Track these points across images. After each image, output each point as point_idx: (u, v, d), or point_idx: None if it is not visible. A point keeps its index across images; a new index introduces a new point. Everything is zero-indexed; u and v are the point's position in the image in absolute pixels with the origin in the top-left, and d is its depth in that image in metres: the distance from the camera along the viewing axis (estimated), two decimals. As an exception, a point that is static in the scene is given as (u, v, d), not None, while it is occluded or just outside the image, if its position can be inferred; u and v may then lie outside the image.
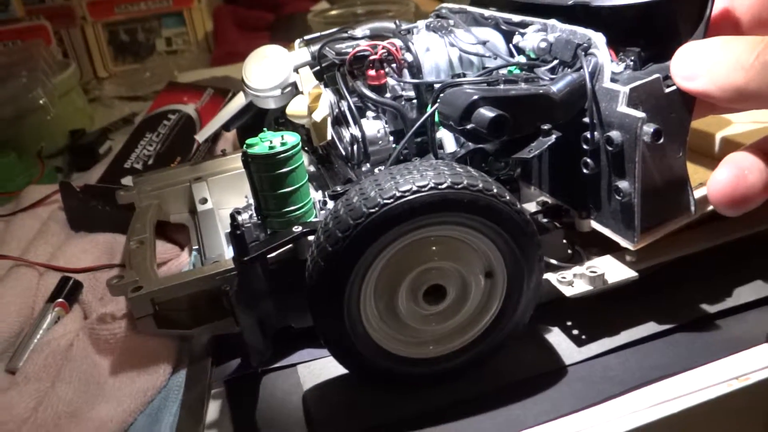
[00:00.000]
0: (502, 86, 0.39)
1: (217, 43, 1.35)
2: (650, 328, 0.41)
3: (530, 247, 0.35)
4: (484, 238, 0.35)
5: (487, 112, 0.36)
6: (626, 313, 0.42)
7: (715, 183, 0.34)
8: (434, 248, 0.35)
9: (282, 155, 0.38)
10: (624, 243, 0.39)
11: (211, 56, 1.33)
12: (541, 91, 0.38)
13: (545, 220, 0.45)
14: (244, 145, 0.39)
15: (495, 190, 0.34)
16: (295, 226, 0.38)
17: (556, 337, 0.41)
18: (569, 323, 0.42)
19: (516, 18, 0.46)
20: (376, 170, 0.44)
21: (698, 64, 0.34)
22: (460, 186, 0.33)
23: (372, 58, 0.45)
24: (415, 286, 0.35)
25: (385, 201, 0.32)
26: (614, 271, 0.40)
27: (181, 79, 1.14)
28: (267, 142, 0.39)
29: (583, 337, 0.41)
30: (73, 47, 1.26)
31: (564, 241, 0.44)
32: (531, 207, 0.47)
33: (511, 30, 0.46)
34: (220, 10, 1.41)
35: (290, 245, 0.38)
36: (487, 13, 0.49)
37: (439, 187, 0.32)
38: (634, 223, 0.38)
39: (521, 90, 0.38)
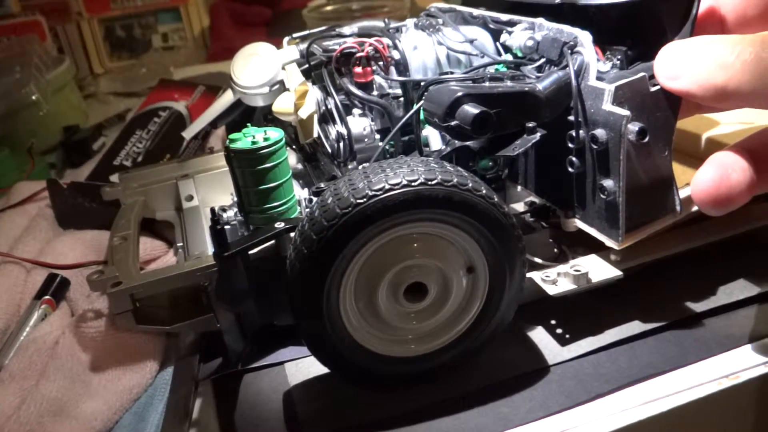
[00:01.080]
0: (487, 84, 0.39)
1: (214, 39, 1.35)
2: (638, 326, 0.41)
3: (510, 241, 0.35)
4: (463, 233, 0.35)
5: (471, 109, 0.36)
6: (613, 312, 0.42)
7: (698, 182, 0.34)
8: (413, 246, 0.35)
9: (264, 150, 0.38)
10: (609, 242, 0.38)
11: (207, 52, 1.33)
12: (526, 89, 0.38)
13: (532, 219, 0.45)
14: (227, 140, 0.39)
15: (470, 185, 0.33)
16: (278, 223, 0.38)
17: (541, 336, 0.41)
18: (554, 322, 0.42)
19: (504, 17, 0.46)
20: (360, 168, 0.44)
21: (680, 64, 0.34)
22: (433, 182, 0.32)
23: (359, 55, 0.45)
24: (395, 284, 0.35)
25: (358, 201, 0.32)
26: (599, 270, 0.40)
27: (176, 76, 1.14)
28: (250, 137, 0.39)
29: (567, 336, 0.41)
30: (68, 43, 1.26)
31: (550, 240, 0.44)
32: (519, 207, 0.47)
33: (498, 29, 0.46)
34: (217, 6, 1.41)
35: (272, 241, 0.38)
36: (475, 12, 0.49)
37: (412, 184, 0.32)
38: (618, 223, 0.37)
39: (506, 87, 0.38)
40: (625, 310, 0.42)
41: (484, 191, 0.34)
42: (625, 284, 0.40)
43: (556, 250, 0.44)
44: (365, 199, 0.32)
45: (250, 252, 0.37)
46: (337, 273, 0.34)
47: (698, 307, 0.42)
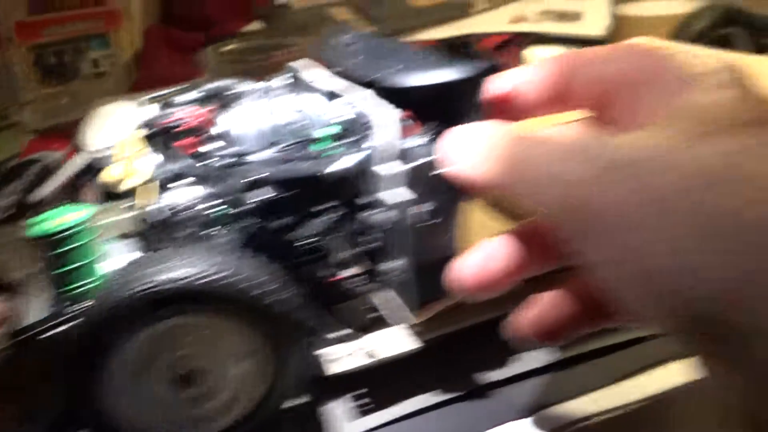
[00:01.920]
0: (283, 166, 0.40)
1: (144, 66, 1.34)
2: (432, 398, 0.42)
3: (289, 326, 0.37)
4: (239, 321, 0.36)
5: (261, 193, 0.37)
6: (412, 382, 0.43)
7: (458, 268, 0.34)
8: (187, 337, 0.36)
9: (63, 234, 0.39)
10: (404, 317, 0.40)
11: (134, 81, 1.32)
12: (319, 173, 0.40)
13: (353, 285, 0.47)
14: (27, 225, 0.40)
15: (240, 277, 0.35)
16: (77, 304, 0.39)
17: (334, 411, 0.42)
18: (351, 395, 0.43)
19: (340, 85, 0.47)
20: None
21: (452, 150, 0.34)
22: (201, 277, 0.34)
23: (182, 128, 0.46)
24: (169, 372, 0.37)
25: (126, 294, 0.33)
26: (395, 342, 0.42)
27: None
28: (51, 221, 0.40)
29: (365, 408, 0.42)
30: (-5, 71, 1.24)
31: (364, 308, 0.45)
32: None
33: (333, 98, 0.47)
34: (151, 31, 1.40)
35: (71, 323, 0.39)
36: (312, 79, 0.50)
37: (177, 282, 0.34)
38: (411, 299, 0.39)
39: (297, 171, 0.40)
40: (423, 380, 0.43)
41: (254, 282, 0.35)
42: (426, 354, 0.42)
43: (370, 316, 0.45)
44: (132, 293, 0.33)
45: (43, 336, 0.38)
46: (107, 361, 0.35)
47: (493, 375, 0.43)
